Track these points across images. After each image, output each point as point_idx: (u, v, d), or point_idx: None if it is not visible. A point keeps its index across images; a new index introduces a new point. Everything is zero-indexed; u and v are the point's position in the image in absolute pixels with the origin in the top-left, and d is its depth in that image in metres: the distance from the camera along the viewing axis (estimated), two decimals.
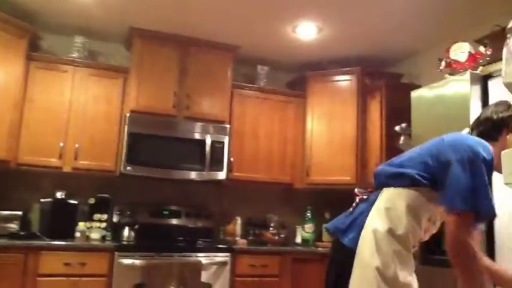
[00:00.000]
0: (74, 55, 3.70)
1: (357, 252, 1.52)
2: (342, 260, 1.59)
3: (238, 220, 3.99)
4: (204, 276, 3.31)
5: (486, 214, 1.46)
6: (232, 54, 4.00)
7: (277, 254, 3.63)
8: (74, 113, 3.56)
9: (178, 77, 3.79)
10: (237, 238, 3.86)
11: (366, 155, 3.90)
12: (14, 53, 3.36)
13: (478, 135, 1.67)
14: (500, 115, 1.68)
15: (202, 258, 3.36)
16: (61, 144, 3.47)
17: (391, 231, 1.50)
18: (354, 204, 1.69)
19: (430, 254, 2.51)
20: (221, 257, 3.43)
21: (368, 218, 1.56)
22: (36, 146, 3.42)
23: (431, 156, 1.57)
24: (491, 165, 1.52)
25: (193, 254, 3.37)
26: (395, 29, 3.61)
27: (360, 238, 1.54)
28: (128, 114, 3.58)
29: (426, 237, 1.65)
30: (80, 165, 3.51)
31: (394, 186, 1.58)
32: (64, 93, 3.56)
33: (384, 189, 1.61)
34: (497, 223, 2.26)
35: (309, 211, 4.10)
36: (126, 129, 3.54)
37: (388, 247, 1.48)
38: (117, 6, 3.40)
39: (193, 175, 3.68)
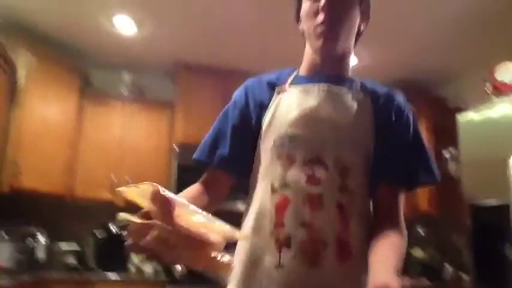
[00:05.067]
0: (122, 91, 3.82)
1: None
2: None
3: None
4: None
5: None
6: None
7: None
8: (125, 148, 3.65)
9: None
10: None
11: None
12: (67, 90, 3.51)
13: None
14: None
15: None
16: (114, 179, 3.55)
17: None
18: None
19: None
20: None
21: None
22: (90, 181, 3.51)
23: None
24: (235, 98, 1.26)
25: None
26: (435, 52, 3.55)
27: None
28: (176, 147, 3.65)
29: None
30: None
31: None
32: (115, 128, 3.67)
33: None
34: None
35: None
36: (175, 162, 3.60)
37: None
38: (161, 41, 3.52)
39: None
